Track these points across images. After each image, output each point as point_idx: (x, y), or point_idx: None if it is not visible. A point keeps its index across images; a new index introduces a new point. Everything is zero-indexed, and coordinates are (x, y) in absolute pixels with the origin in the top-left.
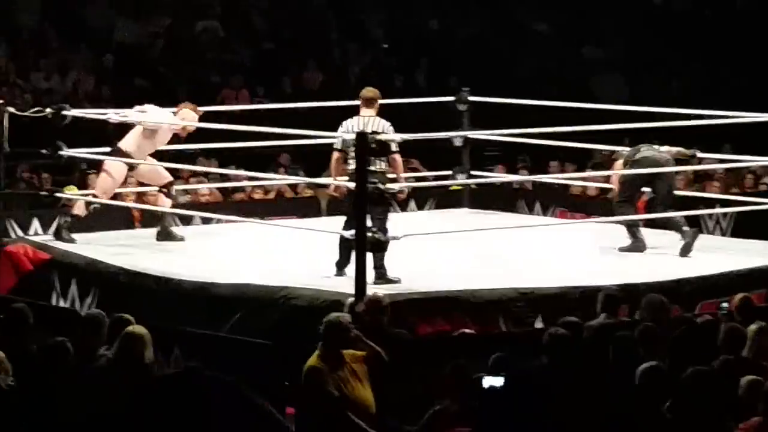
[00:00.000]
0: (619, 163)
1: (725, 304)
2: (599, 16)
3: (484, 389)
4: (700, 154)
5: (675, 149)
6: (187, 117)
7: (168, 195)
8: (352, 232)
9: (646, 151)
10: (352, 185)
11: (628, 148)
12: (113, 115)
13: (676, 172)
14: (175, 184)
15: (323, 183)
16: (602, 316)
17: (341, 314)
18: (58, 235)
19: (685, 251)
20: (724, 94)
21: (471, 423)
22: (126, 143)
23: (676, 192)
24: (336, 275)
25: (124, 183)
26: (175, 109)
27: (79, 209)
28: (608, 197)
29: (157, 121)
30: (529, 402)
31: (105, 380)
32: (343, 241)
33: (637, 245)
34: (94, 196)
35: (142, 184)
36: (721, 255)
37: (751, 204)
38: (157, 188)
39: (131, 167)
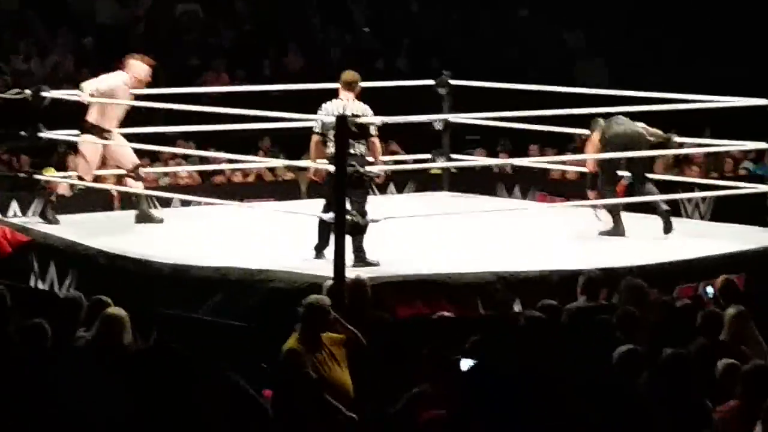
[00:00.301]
0: (596, 135)
1: (710, 288)
2: (581, 2)
3: (462, 372)
4: (678, 138)
5: (652, 130)
6: (135, 67)
7: (137, 178)
8: (332, 215)
9: (621, 125)
10: (331, 168)
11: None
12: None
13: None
14: (143, 166)
15: (303, 166)
16: (582, 299)
17: (320, 297)
18: (43, 216)
19: (667, 229)
20: (706, 80)
21: (448, 406)
22: (91, 116)
23: (656, 176)
24: (315, 258)
25: (104, 164)
26: (123, 69)
27: (64, 189)
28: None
29: (110, 83)
30: (505, 384)
31: (83, 362)
32: (322, 223)
33: (618, 230)
34: (80, 178)
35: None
36: (699, 239)
37: (729, 188)
38: (126, 172)
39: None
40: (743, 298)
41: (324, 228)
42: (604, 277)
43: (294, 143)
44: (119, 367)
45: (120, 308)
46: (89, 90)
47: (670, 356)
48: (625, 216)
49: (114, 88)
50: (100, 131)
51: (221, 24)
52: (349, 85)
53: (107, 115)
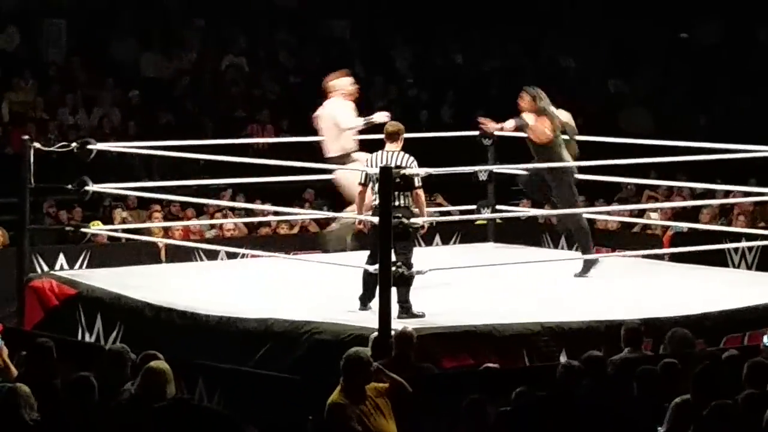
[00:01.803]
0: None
1: (767, 338)
2: (625, 51)
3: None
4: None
5: (566, 115)
6: (339, 86)
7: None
8: (377, 266)
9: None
10: (376, 220)
11: None
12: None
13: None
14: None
15: (348, 217)
16: (626, 350)
17: (359, 348)
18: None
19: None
20: (749, 128)
21: None
22: (334, 149)
23: (701, 226)
24: (360, 310)
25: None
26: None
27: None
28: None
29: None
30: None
31: (127, 415)
32: (367, 275)
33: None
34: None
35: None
36: (746, 289)
37: None
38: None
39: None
40: None
41: (369, 279)
42: (648, 327)
43: (338, 194)
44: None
45: (163, 362)
46: (351, 125)
47: (715, 407)
48: (671, 266)
49: (348, 113)
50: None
51: (266, 76)
52: (393, 136)
53: (344, 144)
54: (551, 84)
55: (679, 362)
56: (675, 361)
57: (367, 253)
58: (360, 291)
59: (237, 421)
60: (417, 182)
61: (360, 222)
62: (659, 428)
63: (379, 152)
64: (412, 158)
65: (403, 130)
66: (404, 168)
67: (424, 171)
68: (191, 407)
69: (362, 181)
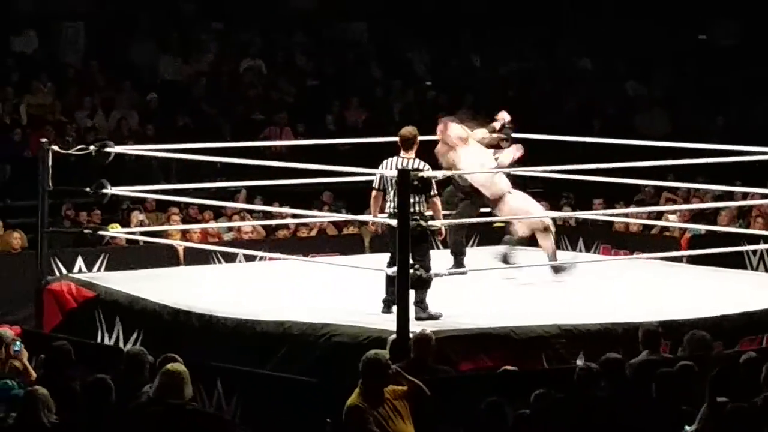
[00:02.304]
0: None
1: None
2: (643, 53)
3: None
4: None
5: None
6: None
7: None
8: (395, 269)
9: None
10: (393, 222)
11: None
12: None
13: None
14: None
15: (365, 220)
16: (644, 353)
17: (378, 351)
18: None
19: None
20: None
21: None
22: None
23: (719, 228)
24: (383, 312)
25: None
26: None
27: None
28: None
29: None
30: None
31: (145, 417)
32: (390, 278)
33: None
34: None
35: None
36: (765, 291)
37: None
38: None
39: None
40: None
41: (392, 282)
42: (666, 329)
43: (356, 197)
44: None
45: (180, 364)
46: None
47: (732, 410)
48: (689, 268)
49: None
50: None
51: (284, 79)
52: (408, 143)
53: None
54: (569, 86)
55: (696, 364)
56: (692, 364)
57: (385, 255)
58: (382, 294)
59: (230, 423)
60: (433, 190)
61: (376, 225)
62: (687, 428)
63: (394, 158)
64: (426, 165)
65: (417, 135)
66: (423, 170)
67: (441, 173)
68: (183, 411)
69: (377, 186)
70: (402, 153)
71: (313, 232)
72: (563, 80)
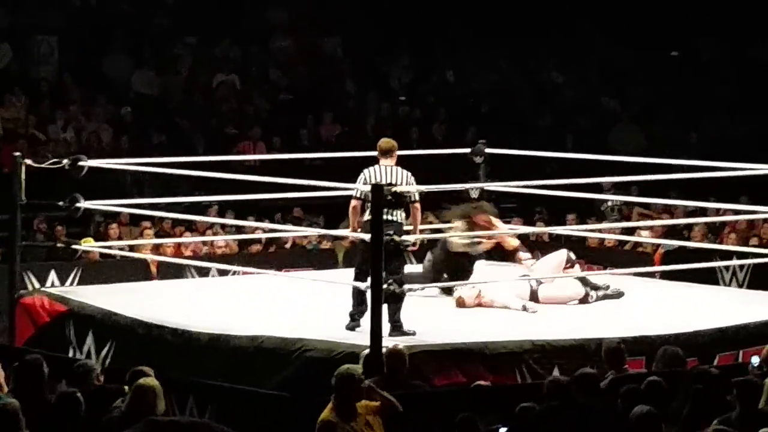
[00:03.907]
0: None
1: (755, 358)
2: (617, 68)
3: None
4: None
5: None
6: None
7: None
8: (368, 283)
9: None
10: (367, 237)
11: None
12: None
13: None
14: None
15: (339, 235)
16: (610, 373)
17: (351, 366)
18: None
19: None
20: (742, 146)
21: None
22: None
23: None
24: (348, 326)
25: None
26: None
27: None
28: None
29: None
30: None
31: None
32: (358, 292)
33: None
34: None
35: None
36: (738, 307)
37: (767, 256)
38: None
39: None
40: None
41: (359, 296)
42: (639, 345)
43: (330, 212)
44: None
45: (153, 378)
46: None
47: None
48: (667, 284)
49: None
50: None
51: (258, 93)
52: (387, 153)
53: None
54: (542, 101)
55: (668, 380)
56: (660, 380)
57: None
58: (350, 308)
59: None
60: (414, 197)
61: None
62: None
63: (376, 166)
64: (408, 173)
65: (395, 146)
66: (396, 185)
67: (416, 188)
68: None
69: (357, 195)
70: (381, 161)
71: (287, 247)
72: (537, 95)
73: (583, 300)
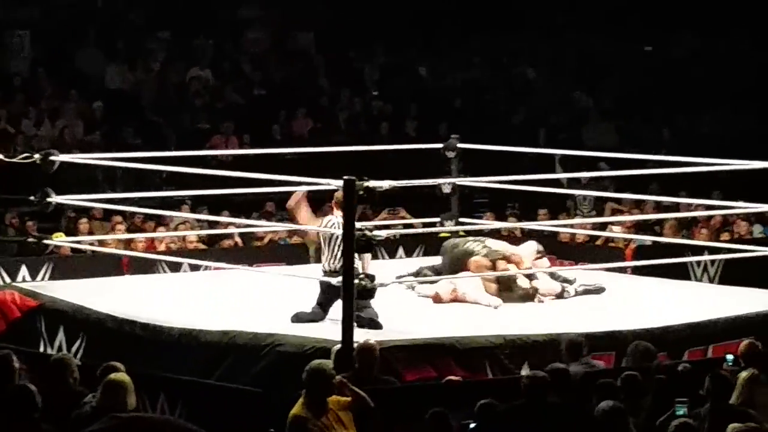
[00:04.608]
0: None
1: (730, 356)
2: (590, 64)
3: None
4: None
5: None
6: None
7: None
8: (339, 278)
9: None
10: (339, 232)
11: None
12: None
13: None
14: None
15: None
16: (572, 365)
17: (323, 361)
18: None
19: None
20: (713, 141)
21: None
22: None
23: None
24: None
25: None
26: None
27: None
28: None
29: None
30: None
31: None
32: (329, 287)
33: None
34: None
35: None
36: (709, 302)
37: (738, 251)
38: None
39: None
40: (765, 361)
41: (328, 290)
42: (610, 340)
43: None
44: None
45: (124, 374)
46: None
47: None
48: (638, 279)
49: None
50: None
51: (230, 88)
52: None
53: None
54: (515, 97)
55: (640, 375)
56: (635, 374)
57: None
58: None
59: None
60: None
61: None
62: None
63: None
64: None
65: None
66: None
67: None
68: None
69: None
70: (335, 212)
71: (259, 242)
72: (510, 91)
73: (560, 295)
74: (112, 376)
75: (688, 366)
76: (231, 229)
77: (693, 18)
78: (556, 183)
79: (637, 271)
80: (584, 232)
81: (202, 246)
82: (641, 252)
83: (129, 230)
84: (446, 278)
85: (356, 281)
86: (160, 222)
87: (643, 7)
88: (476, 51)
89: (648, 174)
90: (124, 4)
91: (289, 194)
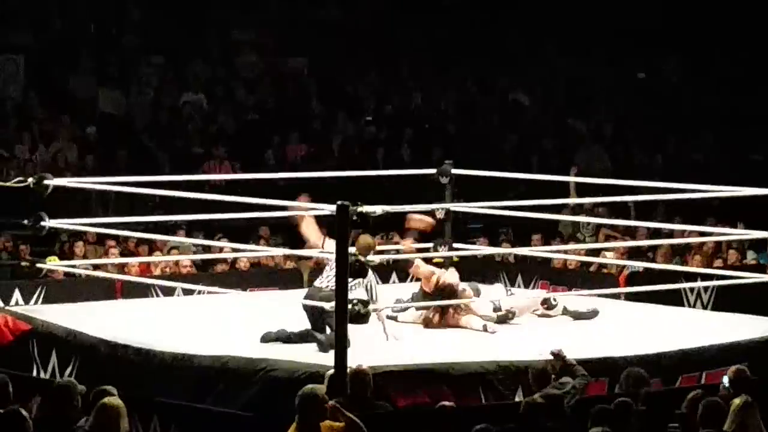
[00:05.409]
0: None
1: (726, 378)
2: (583, 89)
3: None
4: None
5: None
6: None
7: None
8: (332, 304)
9: None
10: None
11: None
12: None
13: None
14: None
15: (304, 255)
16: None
17: (315, 386)
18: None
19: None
20: (706, 168)
21: None
22: None
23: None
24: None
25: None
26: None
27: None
28: None
29: None
30: None
31: None
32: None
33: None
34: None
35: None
36: (702, 328)
37: (731, 278)
38: None
39: None
40: (754, 388)
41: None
42: (603, 366)
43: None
44: None
45: (116, 398)
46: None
47: None
48: (627, 304)
49: None
50: None
51: (224, 112)
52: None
53: None
54: (508, 122)
55: (632, 401)
56: (628, 400)
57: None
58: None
59: None
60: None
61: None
62: None
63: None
64: None
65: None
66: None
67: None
68: None
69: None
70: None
71: (252, 267)
72: (503, 116)
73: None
74: (105, 400)
75: (695, 392)
76: (226, 254)
77: (684, 44)
78: (549, 208)
79: (631, 297)
80: (577, 258)
81: (195, 271)
82: (634, 278)
83: (122, 254)
84: (440, 304)
85: (350, 306)
86: (154, 246)
87: (636, 32)
88: (469, 76)
89: (640, 200)
90: (117, 28)
91: (284, 219)
